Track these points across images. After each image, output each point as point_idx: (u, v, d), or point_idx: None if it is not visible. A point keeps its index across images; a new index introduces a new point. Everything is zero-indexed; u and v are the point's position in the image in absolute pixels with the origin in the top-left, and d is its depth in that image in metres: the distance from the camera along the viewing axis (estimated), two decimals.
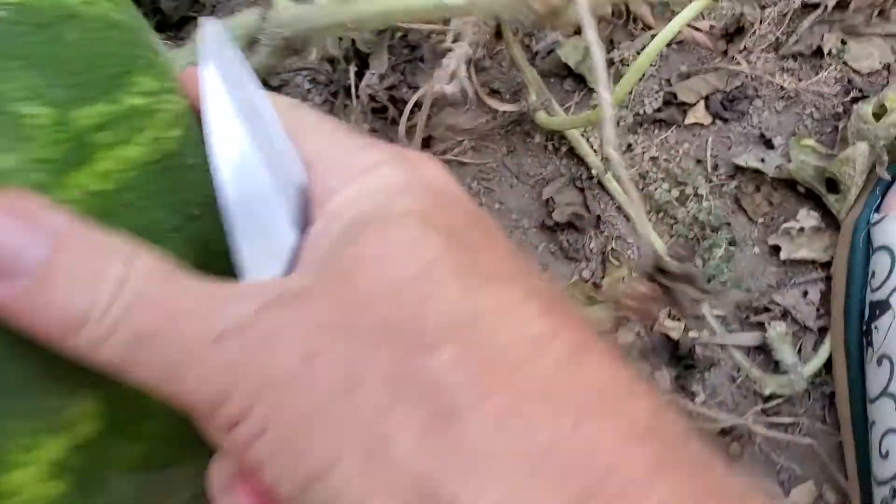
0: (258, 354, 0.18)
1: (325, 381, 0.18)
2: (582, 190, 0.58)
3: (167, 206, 0.25)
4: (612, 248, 0.57)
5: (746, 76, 0.58)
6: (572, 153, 0.59)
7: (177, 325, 0.19)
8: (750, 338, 0.56)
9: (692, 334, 0.57)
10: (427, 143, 0.61)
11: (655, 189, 0.57)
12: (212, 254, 0.26)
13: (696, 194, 0.57)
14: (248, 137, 0.23)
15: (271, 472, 0.18)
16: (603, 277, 0.58)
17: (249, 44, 0.31)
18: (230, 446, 0.19)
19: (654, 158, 0.58)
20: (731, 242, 0.56)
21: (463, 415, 0.17)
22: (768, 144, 0.57)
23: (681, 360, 0.57)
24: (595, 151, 0.57)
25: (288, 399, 0.18)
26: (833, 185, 0.55)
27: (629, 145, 0.58)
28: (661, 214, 0.57)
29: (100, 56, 0.26)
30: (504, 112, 0.60)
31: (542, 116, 0.55)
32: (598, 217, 0.57)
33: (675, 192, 0.56)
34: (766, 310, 0.57)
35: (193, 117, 0.29)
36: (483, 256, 0.20)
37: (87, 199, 0.23)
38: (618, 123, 0.58)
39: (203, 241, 0.26)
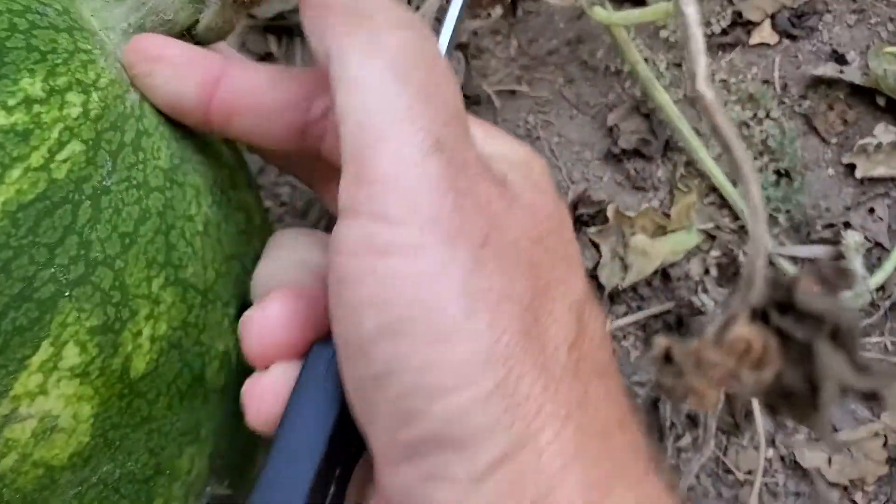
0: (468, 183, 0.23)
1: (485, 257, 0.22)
2: (647, 116, 0.59)
3: (53, 258, 0.23)
4: (682, 175, 0.58)
5: None
6: (636, 77, 0.60)
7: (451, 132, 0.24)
8: (821, 251, 0.56)
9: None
10: (483, 73, 0.62)
11: (727, 112, 0.57)
12: (117, 306, 0.24)
13: (767, 116, 0.57)
14: None
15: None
16: (672, 206, 0.59)
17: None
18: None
19: (723, 81, 0.58)
20: (804, 166, 0.57)
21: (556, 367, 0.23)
22: (841, 60, 0.57)
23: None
24: (661, 75, 0.58)
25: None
26: None
27: None
28: None
29: None
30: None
31: (599, 12, 0.52)
32: (667, 142, 0.58)
33: (748, 114, 0.57)
34: (831, 226, 0.57)
35: (127, 112, 0.26)
36: None
37: None
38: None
39: (112, 288, 0.25)
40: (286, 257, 0.29)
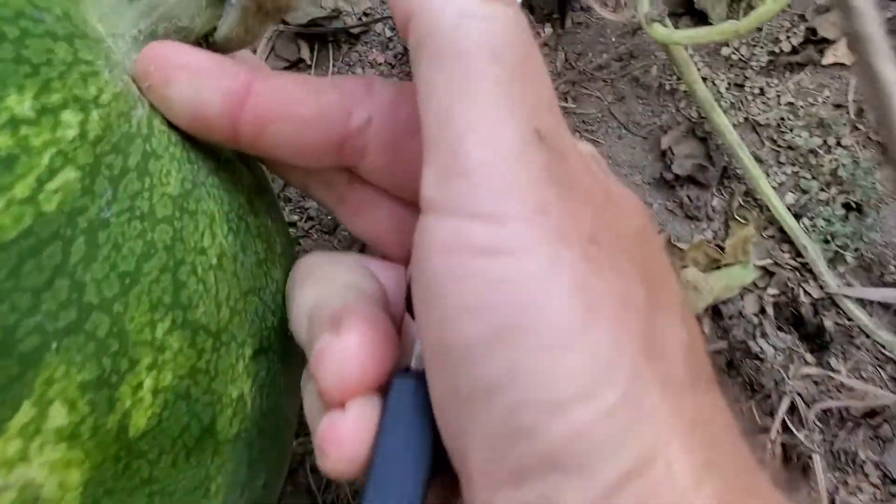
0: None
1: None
2: (704, 140, 0.55)
3: (39, 304, 0.20)
4: (739, 205, 0.54)
5: None
6: (692, 97, 0.56)
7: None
8: (894, 294, 0.52)
9: (815, 291, 0.54)
10: None
11: (794, 138, 0.53)
12: (114, 356, 0.22)
13: (839, 144, 0.53)
14: None
15: None
16: (727, 238, 0.55)
17: (212, 4, 0.26)
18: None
19: (790, 104, 0.54)
20: (879, 199, 0.53)
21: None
22: None
23: (810, 336, 0.54)
24: (720, 96, 0.54)
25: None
26: None
27: (761, 89, 0.55)
28: (796, 167, 0.54)
29: None
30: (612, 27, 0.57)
31: (659, 30, 0.49)
32: (724, 169, 0.54)
33: (817, 141, 0.53)
34: None
35: (132, 131, 0.24)
36: None
37: None
38: (748, 63, 0.55)
39: (109, 336, 0.22)
40: (330, 281, 0.27)
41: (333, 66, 0.62)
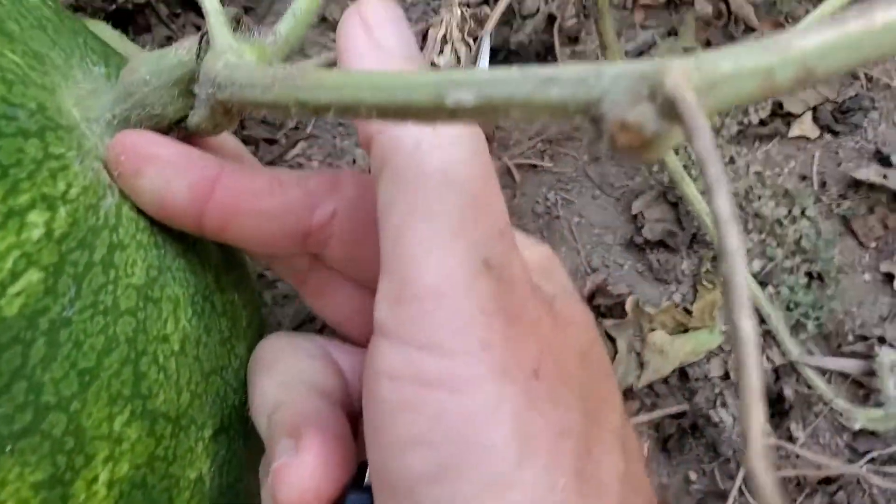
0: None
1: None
2: (675, 205, 0.56)
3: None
4: (707, 270, 0.55)
5: (862, 86, 0.55)
6: (664, 163, 0.57)
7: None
8: (852, 365, 0.53)
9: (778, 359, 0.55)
10: (505, 145, 0.59)
11: (761, 207, 0.54)
12: (69, 454, 0.21)
13: (803, 214, 0.54)
14: None
15: None
16: (694, 301, 0.55)
17: (185, 94, 0.26)
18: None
19: (758, 173, 0.55)
20: (839, 269, 0.54)
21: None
22: (885, 162, 0.54)
23: (771, 402, 0.54)
24: (691, 163, 0.55)
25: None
26: None
27: (731, 158, 0.55)
28: (762, 235, 0.55)
29: None
30: None
31: None
32: (694, 235, 0.55)
33: (783, 211, 0.54)
34: (863, 338, 0.54)
35: (100, 224, 0.24)
36: None
37: None
38: (718, 132, 0.55)
39: (66, 434, 0.21)
40: (289, 375, 0.27)
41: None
